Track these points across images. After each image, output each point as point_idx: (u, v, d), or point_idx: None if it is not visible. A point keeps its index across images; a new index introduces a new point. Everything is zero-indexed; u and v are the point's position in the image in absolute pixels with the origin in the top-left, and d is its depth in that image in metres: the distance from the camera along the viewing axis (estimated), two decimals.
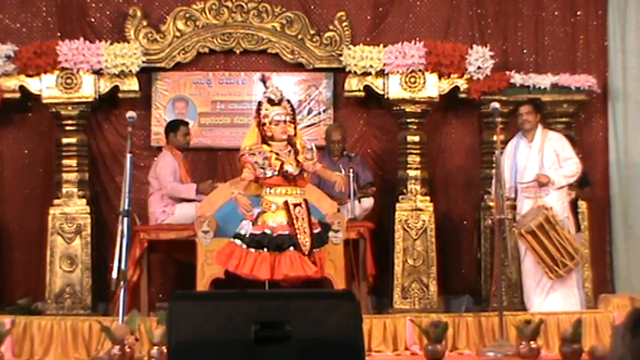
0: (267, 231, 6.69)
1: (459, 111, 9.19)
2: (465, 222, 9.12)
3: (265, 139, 6.86)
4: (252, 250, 6.67)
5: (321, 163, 7.13)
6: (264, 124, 6.85)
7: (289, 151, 6.87)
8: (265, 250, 6.66)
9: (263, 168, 6.80)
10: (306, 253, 6.66)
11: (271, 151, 6.83)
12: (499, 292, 6.81)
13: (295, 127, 6.97)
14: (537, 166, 7.89)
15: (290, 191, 6.83)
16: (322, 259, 6.83)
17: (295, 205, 6.79)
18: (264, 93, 6.96)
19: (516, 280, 8.44)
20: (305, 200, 6.83)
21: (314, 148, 6.97)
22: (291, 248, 6.64)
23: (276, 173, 6.79)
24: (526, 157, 7.94)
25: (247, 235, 6.70)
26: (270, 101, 6.86)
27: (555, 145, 7.94)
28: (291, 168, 6.80)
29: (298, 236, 6.70)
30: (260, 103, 6.96)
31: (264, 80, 7.05)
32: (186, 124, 8.54)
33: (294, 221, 6.73)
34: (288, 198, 6.80)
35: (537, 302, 7.78)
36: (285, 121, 6.83)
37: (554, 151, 7.91)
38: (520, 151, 7.99)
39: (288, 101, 6.99)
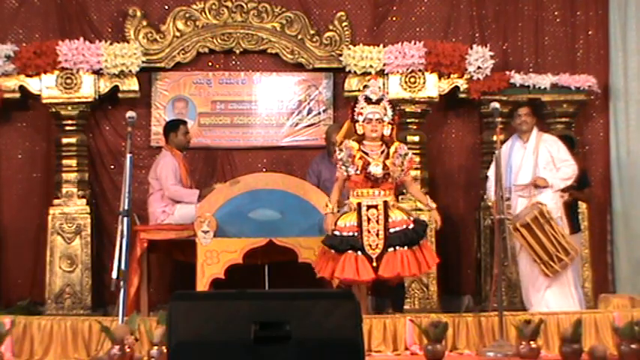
0: (337, 232, 6.86)
1: (459, 111, 9.20)
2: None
3: (358, 138, 6.96)
4: (333, 251, 6.84)
5: (409, 177, 7.22)
6: (357, 121, 6.96)
7: (382, 152, 6.94)
8: (333, 251, 6.82)
9: (346, 165, 6.93)
10: (374, 255, 6.76)
11: (359, 150, 6.92)
12: (499, 292, 6.80)
13: (393, 129, 7.02)
14: (532, 166, 7.88)
15: (369, 193, 6.90)
16: (417, 257, 6.83)
17: (369, 207, 6.87)
18: (364, 91, 7.09)
19: (516, 280, 8.45)
20: (385, 202, 6.87)
21: (408, 156, 6.98)
22: (350, 251, 6.76)
23: (358, 172, 6.89)
24: (521, 158, 7.93)
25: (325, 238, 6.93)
26: (368, 100, 6.96)
27: (550, 147, 7.94)
28: (375, 169, 6.86)
29: (364, 238, 6.80)
30: (357, 100, 7.07)
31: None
32: (185, 123, 8.53)
33: (363, 223, 6.83)
34: (363, 200, 6.89)
35: (535, 301, 7.78)
36: (379, 120, 6.90)
37: (548, 152, 7.91)
38: (515, 151, 7.99)
39: (390, 102, 7.08)
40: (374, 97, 6.95)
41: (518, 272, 8.04)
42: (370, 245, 6.80)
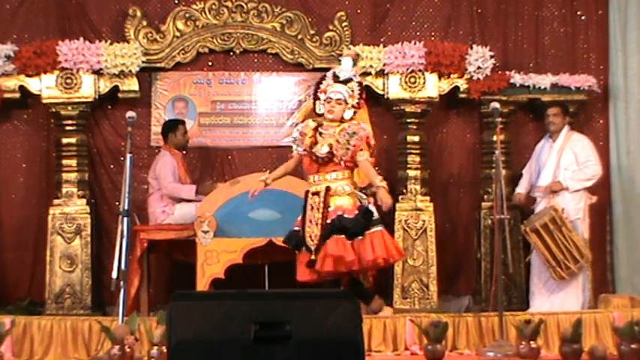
0: (296, 228, 6.55)
1: (459, 111, 9.19)
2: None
3: (320, 118, 6.50)
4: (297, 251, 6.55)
5: (372, 158, 6.52)
6: (318, 98, 6.50)
7: (336, 133, 6.44)
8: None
9: (296, 144, 6.53)
10: (313, 247, 6.32)
11: (315, 129, 6.45)
12: (499, 292, 6.81)
13: (355, 113, 6.49)
14: (553, 167, 7.96)
15: (314, 178, 6.44)
16: (358, 247, 6.28)
17: (313, 194, 6.42)
18: (336, 68, 6.62)
19: (515, 280, 8.45)
20: (327, 187, 6.35)
21: (357, 135, 6.38)
22: (298, 249, 6.50)
23: (304, 151, 6.48)
24: (545, 158, 8.04)
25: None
26: (335, 77, 6.51)
27: (575, 146, 8.03)
28: (319, 148, 6.38)
29: (305, 229, 6.38)
30: (324, 77, 6.66)
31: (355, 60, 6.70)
32: (184, 122, 8.54)
33: (307, 212, 6.38)
34: (311, 187, 6.45)
35: (540, 300, 7.79)
36: (339, 101, 6.40)
37: (573, 153, 7.99)
38: (544, 151, 8.12)
39: (360, 84, 6.57)
40: (342, 76, 6.53)
41: (526, 269, 8.09)
42: (310, 237, 6.36)
